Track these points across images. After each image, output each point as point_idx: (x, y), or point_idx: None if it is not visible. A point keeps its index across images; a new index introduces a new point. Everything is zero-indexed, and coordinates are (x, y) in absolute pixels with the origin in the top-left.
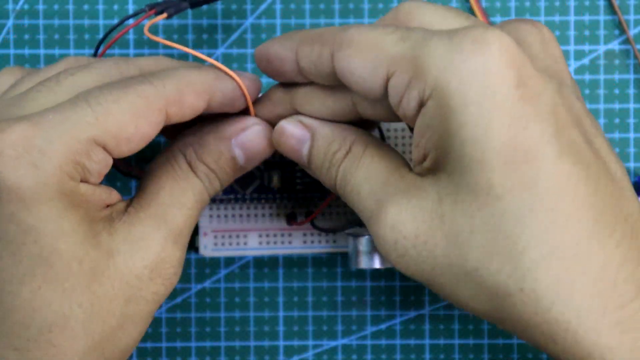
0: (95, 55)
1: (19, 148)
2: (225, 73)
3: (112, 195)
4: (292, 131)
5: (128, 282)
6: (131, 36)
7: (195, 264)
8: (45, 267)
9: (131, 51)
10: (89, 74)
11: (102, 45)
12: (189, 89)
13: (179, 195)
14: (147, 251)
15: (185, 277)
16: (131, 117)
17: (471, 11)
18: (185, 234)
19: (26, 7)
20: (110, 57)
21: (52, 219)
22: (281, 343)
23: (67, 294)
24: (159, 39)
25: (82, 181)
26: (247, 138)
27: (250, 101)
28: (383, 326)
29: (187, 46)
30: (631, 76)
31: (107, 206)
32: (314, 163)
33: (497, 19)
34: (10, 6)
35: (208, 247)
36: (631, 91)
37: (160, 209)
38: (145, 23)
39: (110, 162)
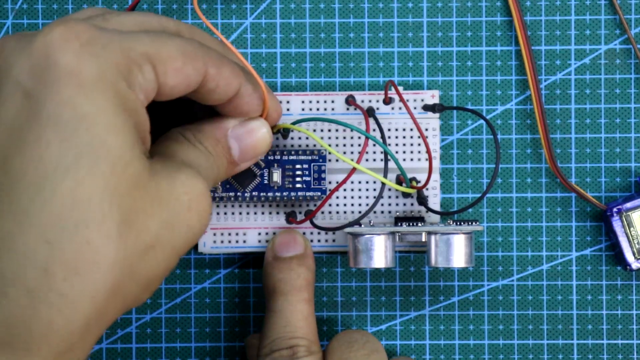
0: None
1: (83, 39)
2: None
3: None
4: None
5: (168, 204)
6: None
7: (195, 264)
8: (92, 159)
9: None
10: (133, 17)
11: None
12: (229, 62)
13: (195, 156)
14: (185, 181)
15: (185, 278)
16: (180, 55)
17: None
18: (210, 184)
19: (25, 6)
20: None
21: (107, 111)
22: None
23: (108, 192)
24: (204, 19)
25: (134, 93)
26: (246, 131)
27: (267, 105)
28: (383, 326)
29: None
30: (632, 76)
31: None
32: None
33: (498, 18)
34: (9, 5)
35: (207, 245)
36: (632, 91)
37: (181, 159)
38: None
39: (155, 88)
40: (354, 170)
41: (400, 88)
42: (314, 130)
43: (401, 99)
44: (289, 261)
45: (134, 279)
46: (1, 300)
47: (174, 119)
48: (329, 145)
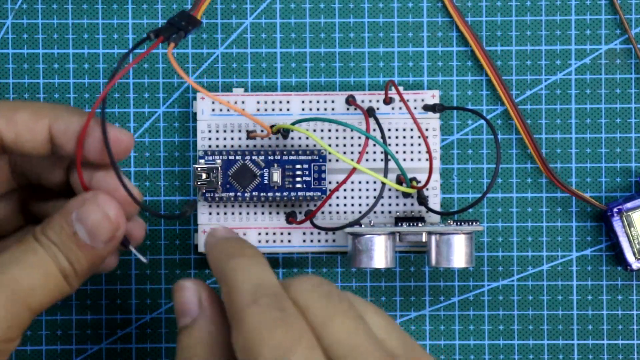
0: (110, 80)
1: None
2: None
3: None
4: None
5: None
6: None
7: (195, 264)
8: None
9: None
10: None
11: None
12: (23, 108)
13: (20, 255)
14: None
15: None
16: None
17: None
18: (24, 292)
19: (25, 6)
20: None
21: None
22: None
23: None
24: (176, 66)
25: None
26: (85, 212)
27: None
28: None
29: (186, 46)
30: (632, 76)
31: None
32: None
33: (498, 18)
34: (9, 5)
35: None
36: (632, 91)
37: (6, 279)
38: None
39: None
40: (354, 170)
41: (401, 88)
42: (314, 131)
43: (402, 99)
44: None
45: None
46: None
47: None
48: (329, 146)
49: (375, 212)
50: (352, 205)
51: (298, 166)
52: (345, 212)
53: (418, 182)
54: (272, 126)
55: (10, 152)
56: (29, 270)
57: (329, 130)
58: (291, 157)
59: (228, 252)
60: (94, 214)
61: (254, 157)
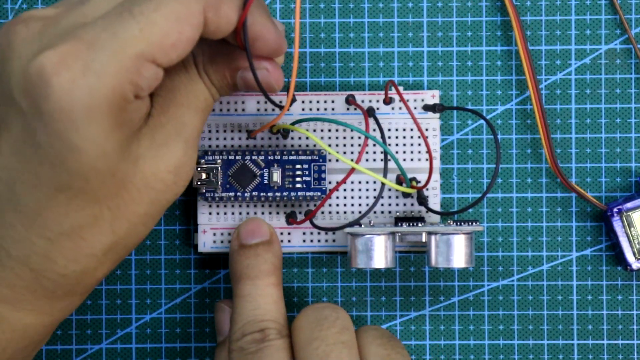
0: None
1: (76, 69)
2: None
3: (148, 103)
4: None
5: (154, 187)
6: None
7: (195, 264)
8: (82, 182)
9: None
10: None
11: None
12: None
13: (193, 98)
14: (170, 157)
15: (184, 278)
16: (173, 23)
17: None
18: (197, 136)
19: (25, 6)
20: None
21: (97, 141)
22: None
23: (98, 201)
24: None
25: (135, 99)
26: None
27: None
28: (383, 327)
29: None
30: (632, 75)
31: (141, 117)
32: None
33: (498, 18)
34: (9, 5)
35: (207, 245)
36: (632, 91)
37: (178, 112)
38: None
39: (161, 74)
40: (352, 170)
41: (401, 88)
42: (314, 131)
43: (401, 99)
44: (254, 248)
45: (128, 246)
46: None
47: None
48: (329, 146)
49: (375, 212)
50: (352, 205)
51: (298, 166)
52: (345, 212)
53: (418, 182)
54: (272, 126)
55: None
56: (202, 118)
57: (329, 130)
58: (291, 157)
59: (240, 271)
60: (262, 79)
61: (254, 157)
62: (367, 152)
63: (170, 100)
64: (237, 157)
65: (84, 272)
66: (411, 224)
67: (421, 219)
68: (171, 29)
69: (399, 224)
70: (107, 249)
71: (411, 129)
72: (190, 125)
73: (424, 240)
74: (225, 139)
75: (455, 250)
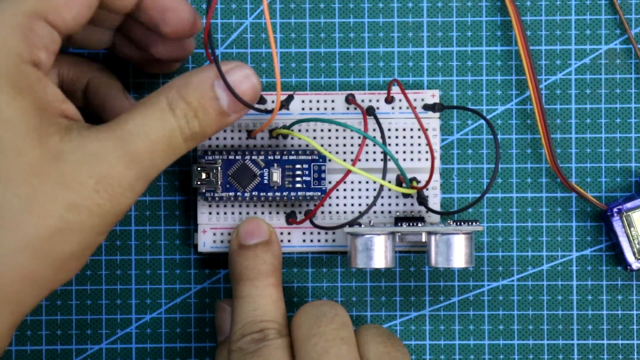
0: None
1: None
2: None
3: (69, 107)
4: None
5: (71, 188)
6: None
7: (195, 264)
8: None
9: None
10: None
11: None
12: None
13: (147, 127)
14: (95, 164)
15: (184, 278)
16: None
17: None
18: (144, 163)
19: None
20: None
21: None
22: None
23: (3, 182)
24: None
25: (33, 65)
26: (231, 79)
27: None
28: (383, 327)
29: None
30: (632, 75)
31: (66, 117)
32: None
33: (498, 18)
34: None
35: (207, 245)
36: (632, 91)
37: (123, 134)
38: None
39: (57, 37)
40: (349, 171)
41: None
42: (314, 130)
43: (405, 97)
44: (254, 248)
45: (43, 262)
46: None
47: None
48: (329, 145)
49: (375, 212)
50: (352, 205)
51: (298, 166)
52: (345, 212)
53: (418, 182)
54: (271, 130)
55: (104, 7)
56: (154, 145)
57: (329, 130)
58: (291, 157)
59: (240, 272)
60: (242, 80)
61: (253, 157)
62: (367, 152)
63: (119, 125)
64: (237, 157)
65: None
66: (411, 224)
67: (421, 219)
68: None
69: (399, 224)
70: (20, 249)
71: (411, 129)
72: (132, 147)
73: (424, 240)
74: (225, 138)
75: (455, 250)
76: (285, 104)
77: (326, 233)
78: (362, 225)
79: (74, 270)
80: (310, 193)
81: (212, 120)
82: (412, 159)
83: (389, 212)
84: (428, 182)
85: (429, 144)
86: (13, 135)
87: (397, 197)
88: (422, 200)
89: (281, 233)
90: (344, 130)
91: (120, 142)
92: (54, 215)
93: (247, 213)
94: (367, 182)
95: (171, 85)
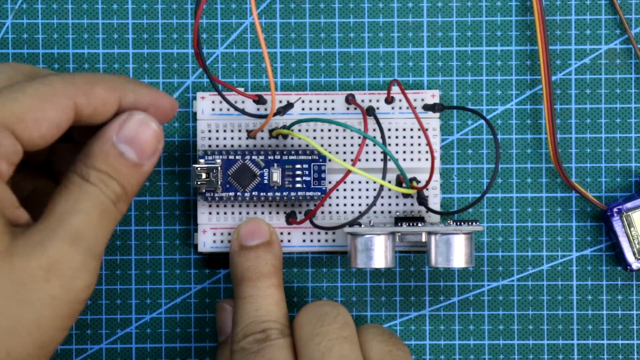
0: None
1: None
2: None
3: (22, 213)
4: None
5: (22, 282)
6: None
7: (195, 264)
8: None
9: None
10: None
11: None
12: (99, 82)
13: (74, 203)
14: (42, 253)
15: (184, 278)
16: (37, 101)
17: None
18: (87, 237)
19: (25, 6)
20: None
21: None
22: None
23: None
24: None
25: None
26: (128, 130)
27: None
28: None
29: (187, 46)
30: (632, 75)
31: (18, 224)
32: None
33: (498, 18)
34: (9, 5)
35: (207, 245)
36: (632, 91)
37: (56, 217)
38: None
39: (20, 150)
40: (349, 172)
41: None
42: (314, 130)
43: (405, 98)
44: (255, 249)
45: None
46: None
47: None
48: (329, 145)
49: (375, 212)
50: (352, 205)
51: (298, 166)
52: (345, 212)
53: (418, 182)
54: (271, 130)
55: (77, 124)
56: (88, 217)
57: (329, 130)
58: (291, 157)
59: (241, 273)
60: (138, 127)
61: (254, 157)
62: (367, 152)
63: (50, 211)
64: (237, 157)
65: None
66: (411, 224)
67: (421, 219)
68: (34, 105)
69: (399, 224)
70: None
71: (411, 129)
72: (70, 226)
73: (424, 240)
74: (225, 139)
75: (455, 250)
76: (282, 112)
77: (326, 233)
78: (362, 225)
79: None
80: (310, 193)
81: (127, 175)
82: (412, 159)
83: (389, 212)
84: (428, 182)
85: (429, 144)
86: None
87: (397, 197)
88: (422, 200)
89: (281, 233)
90: (344, 130)
91: (57, 226)
92: (6, 314)
93: (247, 213)
94: (367, 182)
95: (75, 162)
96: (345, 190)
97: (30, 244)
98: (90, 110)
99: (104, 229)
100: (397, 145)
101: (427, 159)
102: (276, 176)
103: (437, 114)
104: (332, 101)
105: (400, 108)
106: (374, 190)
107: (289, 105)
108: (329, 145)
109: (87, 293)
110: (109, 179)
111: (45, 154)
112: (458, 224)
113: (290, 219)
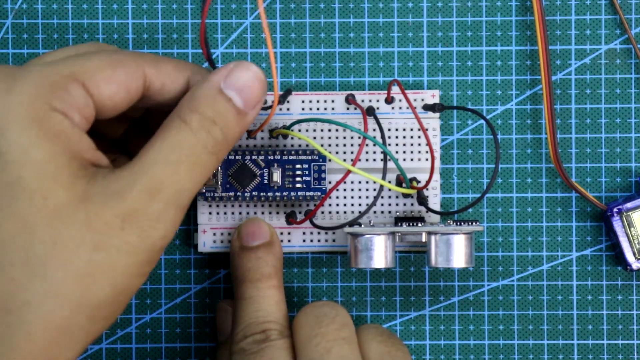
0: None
1: (3, 79)
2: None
3: (99, 156)
4: None
5: (96, 229)
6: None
7: (195, 264)
8: (8, 198)
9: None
10: (68, 49)
11: None
12: (168, 60)
13: (166, 152)
14: (118, 201)
15: (184, 278)
16: (107, 64)
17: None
18: (170, 189)
19: (25, 6)
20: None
21: (20, 145)
22: None
23: (29, 229)
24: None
25: (62, 114)
26: (236, 77)
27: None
28: (383, 326)
29: (187, 46)
30: (632, 75)
31: (95, 165)
32: None
33: (498, 18)
34: (9, 5)
35: (207, 245)
36: (632, 91)
37: (142, 166)
38: None
39: (91, 104)
40: (349, 172)
41: None
42: (314, 130)
43: (405, 98)
44: (255, 250)
45: (74, 309)
46: None
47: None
48: (329, 145)
49: (375, 212)
50: (352, 205)
51: (298, 166)
52: (345, 212)
53: (418, 182)
54: (271, 130)
55: (148, 100)
56: (175, 168)
57: (329, 130)
58: (291, 157)
59: (242, 274)
60: (247, 75)
61: (253, 157)
62: (367, 152)
63: (138, 158)
64: (237, 157)
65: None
66: (411, 224)
67: (421, 219)
68: (105, 67)
69: (399, 224)
70: (49, 297)
71: (411, 129)
72: (153, 177)
73: (424, 240)
74: None
75: (455, 250)
76: (282, 100)
77: (326, 233)
78: (362, 225)
79: (110, 318)
80: (310, 193)
81: (232, 122)
82: (412, 159)
83: (389, 212)
84: (428, 182)
85: (429, 144)
86: (39, 177)
87: (397, 197)
88: (422, 200)
89: (281, 233)
90: (344, 130)
91: (140, 175)
92: (81, 258)
93: (247, 213)
94: (367, 182)
95: (180, 105)
96: (345, 190)
97: (109, 192)
98: (158, 84)
99: (192, 181)
100: (397, 145)
101: (427, 159)
102: (276, 176)
103: (437, 114)
104: (332, 101)
105: (400, 108)
106: (374, 190)
107: (288, 92)
108: (329, 145)
109: (164, 242)
110: (212, 125)
111: (122, 130)
112: (458, 224)
113: (290, 219)
